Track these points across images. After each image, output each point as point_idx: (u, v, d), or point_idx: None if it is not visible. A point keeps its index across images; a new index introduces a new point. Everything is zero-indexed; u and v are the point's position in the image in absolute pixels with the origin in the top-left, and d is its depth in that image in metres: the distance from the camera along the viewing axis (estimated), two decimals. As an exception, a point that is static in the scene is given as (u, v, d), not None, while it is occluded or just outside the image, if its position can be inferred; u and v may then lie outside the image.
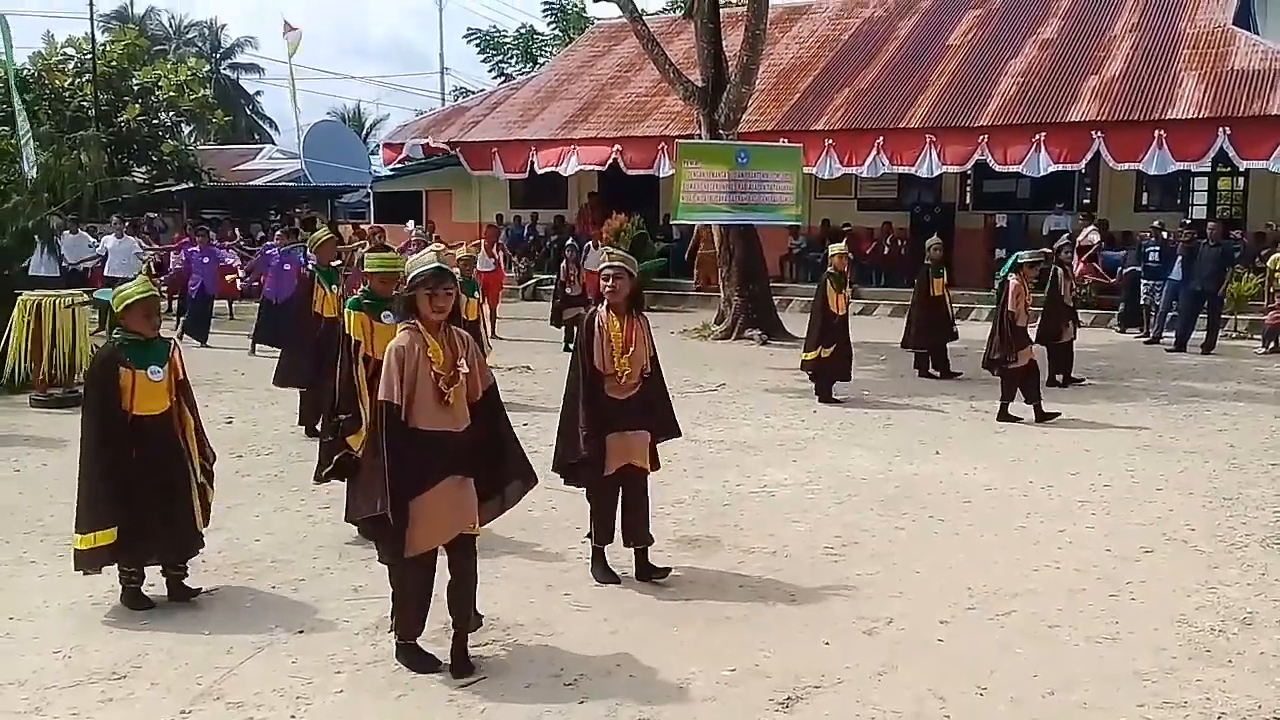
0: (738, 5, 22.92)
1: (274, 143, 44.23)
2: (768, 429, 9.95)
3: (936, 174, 20.25)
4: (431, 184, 26.49)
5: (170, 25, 51.18)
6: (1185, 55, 19.99)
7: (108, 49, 28.32)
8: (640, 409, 5.74)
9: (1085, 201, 21.77)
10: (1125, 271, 17.85)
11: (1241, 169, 19.62)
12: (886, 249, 21.70)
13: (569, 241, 18.03)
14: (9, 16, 18.91)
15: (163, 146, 27.48)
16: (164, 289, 19.30)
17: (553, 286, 19.13)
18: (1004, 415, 10.30)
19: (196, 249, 17.07)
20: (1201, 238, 15.93)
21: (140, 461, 5.32)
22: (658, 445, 5.92)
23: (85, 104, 26.13)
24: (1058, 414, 10.25)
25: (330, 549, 6.38)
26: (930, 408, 10.99)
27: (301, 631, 5.15)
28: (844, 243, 12.76)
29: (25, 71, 24.93)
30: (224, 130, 35.59)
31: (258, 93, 53.26)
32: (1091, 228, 18.84)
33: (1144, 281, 17.05)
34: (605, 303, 5.68)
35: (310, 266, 9.29)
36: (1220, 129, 17.71)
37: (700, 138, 16.91)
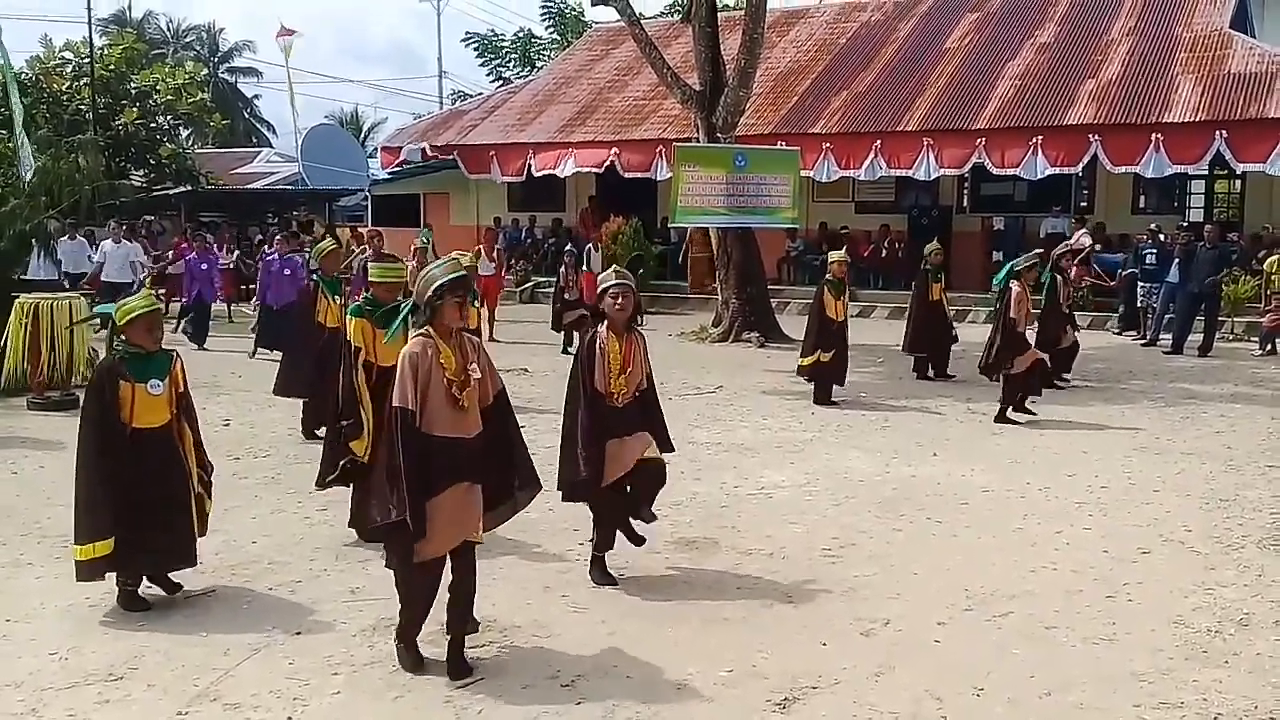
0: (735, 9, 23.00)
1: (272, 146, 44.26)
2: (765, 431, 9.95)
3: (934, 177, 20.27)
4: (429, 187, 26.52)
5: (168, 29, 51.15)
6: (1182, 58, 20.03)
7: (106, 53, 28.32)
8: (638, 415, 5.76)
9: (1083, 204, 21.79)
10: (1124, 274, 17.88)
11: (1238, 172, 19.65)
12: (884, 252, 21.73)
13: (568, 247, 18.05)
14: (6, 20, 18.91)
15: (160, 150, 27.49)
16: (162, 292, 19.34)
17: (550, 290, 19.16)
18: (1001, 418, 10.31)
19: (194, 255, 17.07)
20: (1198, 240, 15.96)
21: (139, 474, 5.32)
22: None
23: (83, 107, 26.13)
24: (1034, 414, 10.34)
25: (327, 551, 6.38)
26: (928, 410, 11.00)
27: (299, 633, 5.14)
28: (844, 250, 12.76)
29: (23, 75, 24.93)
30: (222, 134, 35.62)
31: (256, 96, 53.34)
32: (1083, 231, 18.86)
33: (1141, 284, 17.08)
34: (605, 322, 5.66)
35: (312, 273, 9.25)
36: (1217, 132, 17.74)
37: (698, 141, 16.92)
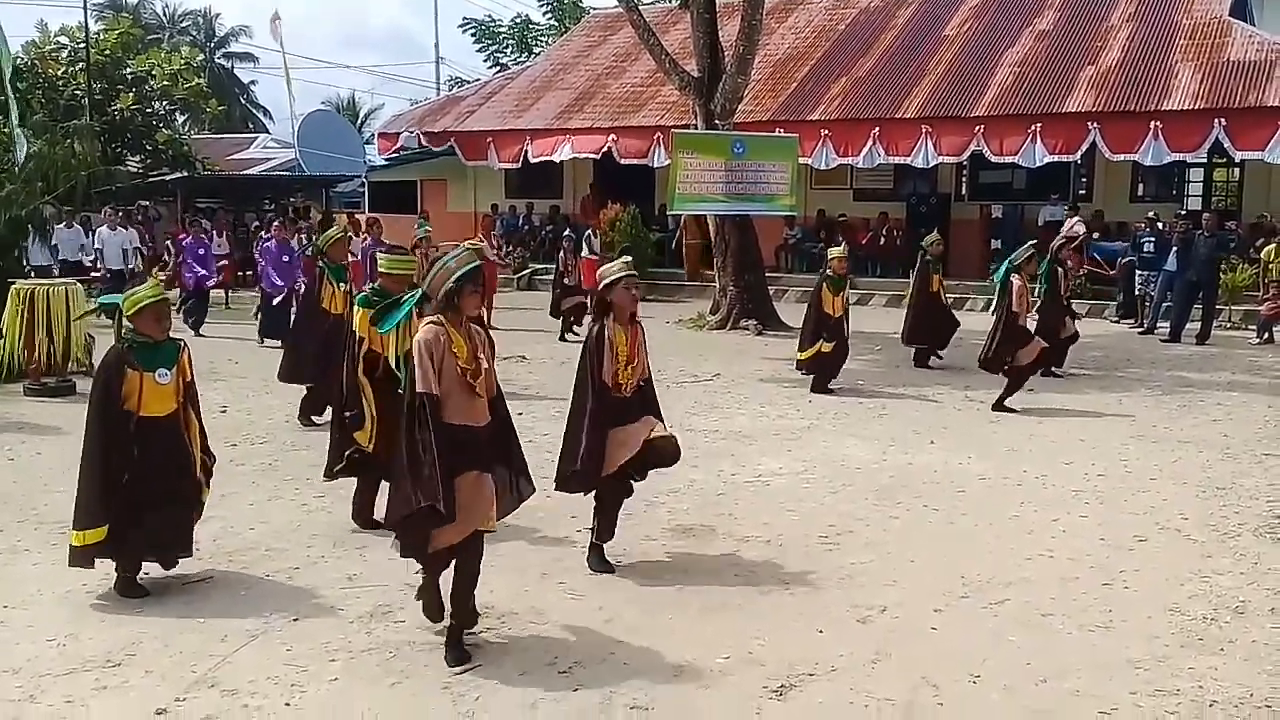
0: (734, -5, 22.88)
1: (269, 132, 44.07)
2: (763, 419, 9.95)
3: (932, 164, 20.23)
4: (426, 174, 26.45)
5: (164, 14, 50.89)
6: (1181, 46, 19.99)
7: (101, 38, 28.16)
8: (640, 404, 5.79)
9: (1081, 192, 21.77)
10: (1123, 262, 17.88)
11: (1237, 160, 19.60)
12: (883, 240, 21.69)
13: (566, 232, 18.03)
14: (2, 6, 18.82)
15: (157, 136, 27.35)
16: (163, 278, 19.29)
17: (547, 276, 19.15)
18: (1000, 406, 10.32)
19: (190, 240, 17.05)
20: (1197, 228, 15.95)
21: (144, 462, 5.33)
22: None
23: (79, 93, 26.00)
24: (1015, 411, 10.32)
25: (325, 538, 6.38)
26: (925, 398, 11.00)
27: (296, 619, 5.15)
28: (843, 246, 12.78)
29: (19, 60, 24.77)
30: (218, 119, 35.44)
31: (252, 82, 53.13)
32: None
33: (1139, 272, 17.07)
34: (612, 315, 5.66)
35: (320, 254, 9.29)
36: (1216, 120, 17.71)
37: (696, 128, 16.87)
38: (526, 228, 25.03)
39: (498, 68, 35.73)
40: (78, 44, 27.04)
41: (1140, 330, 16.40)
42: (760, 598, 5.50)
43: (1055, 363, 12.16)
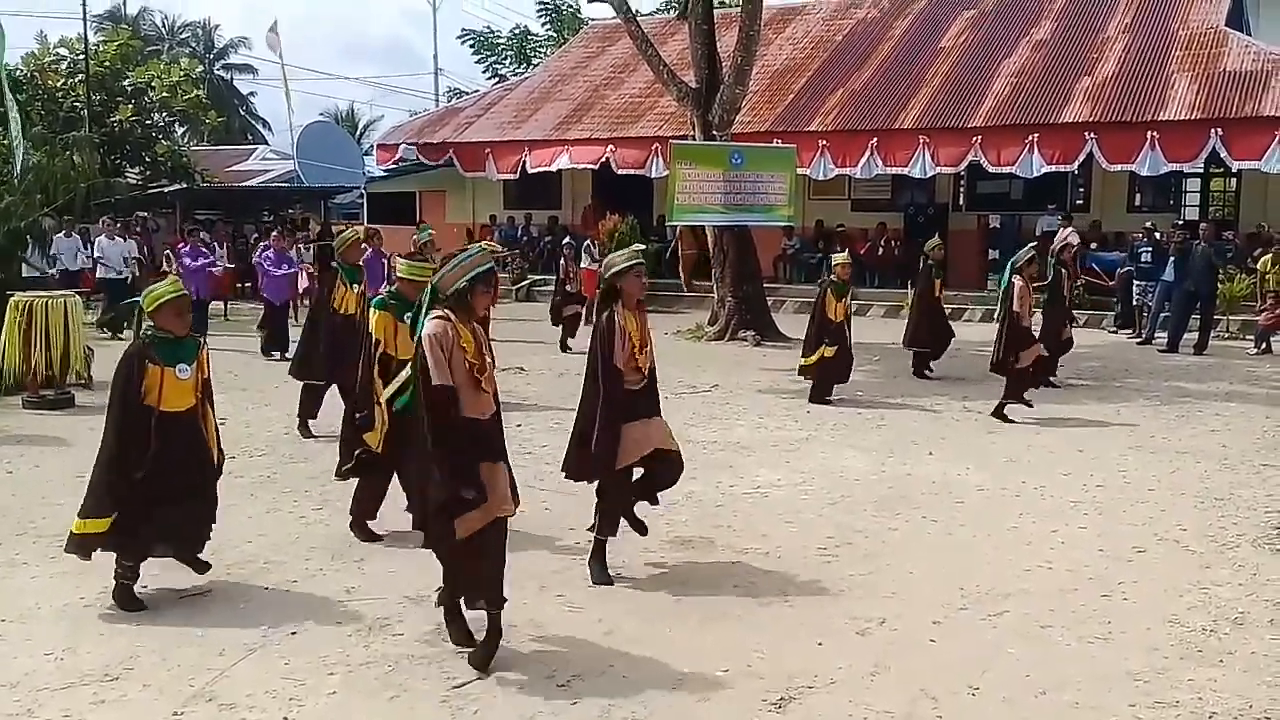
0: (732, 6, 22.96)
1: (267, 143, 44.11)
2: (761, 430, 9.95)
3: (930, 175, 20.29)
4: (425, 185, 26.50)
5: (163, 26, 50.99)
6: (1178, 56, 20.05)
7: (101, 49, 28.23)
8: (650, 397, 5.90)
9: (1079, 202, 21.82)
10: (1120, 272, 17.90)
11: (1234, 170, 19.68)
12: (881, 250, 21.73)
13: (566, 240, 18.06)
14: (1, 17, 18.87)
15: (156, 147, 27.41)
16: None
17: (545, 287, 19.17)
18: (999, 414, 10.33)
19: (188, 248, 17.10)
20: (1194, 238, 15.97)
21: (164, 457, 5.38)
22: None
23: (78, 104, 26.05)
24: (1030, 405, 10.42)
25: (323, 550, 6.37)
26: (923, 408, 11.01)
27: (294, 633, 5.14)
28: (846, 252, 12.83)
29: (18, 72, 24.85)
30: (217, 131, 35.52)
31: (251, 93, 53.19)
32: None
33: (1136, 282, 17.10)
34: (620, 301, 5.75)
35: (335, 265, 9.39)
36: (1212, 130, 17.77)
37: (694, 139, 16.91)
38: (525, 239, 25.06)
39: (496, 79, 35.79)
40: (77, 55, 27.10)
41: (1138, 340, 16.41)
42: (759, 609, 5.49)
43: (1049, 371, 12.18)
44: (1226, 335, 16.83)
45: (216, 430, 5.74)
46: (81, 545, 5.42)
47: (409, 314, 6.05)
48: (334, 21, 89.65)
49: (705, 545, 6.55)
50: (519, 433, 8.93)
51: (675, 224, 19.30)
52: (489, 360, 4.78)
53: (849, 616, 5.38)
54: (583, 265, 16.31)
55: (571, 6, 36.29)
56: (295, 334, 14.70)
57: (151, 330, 5.46)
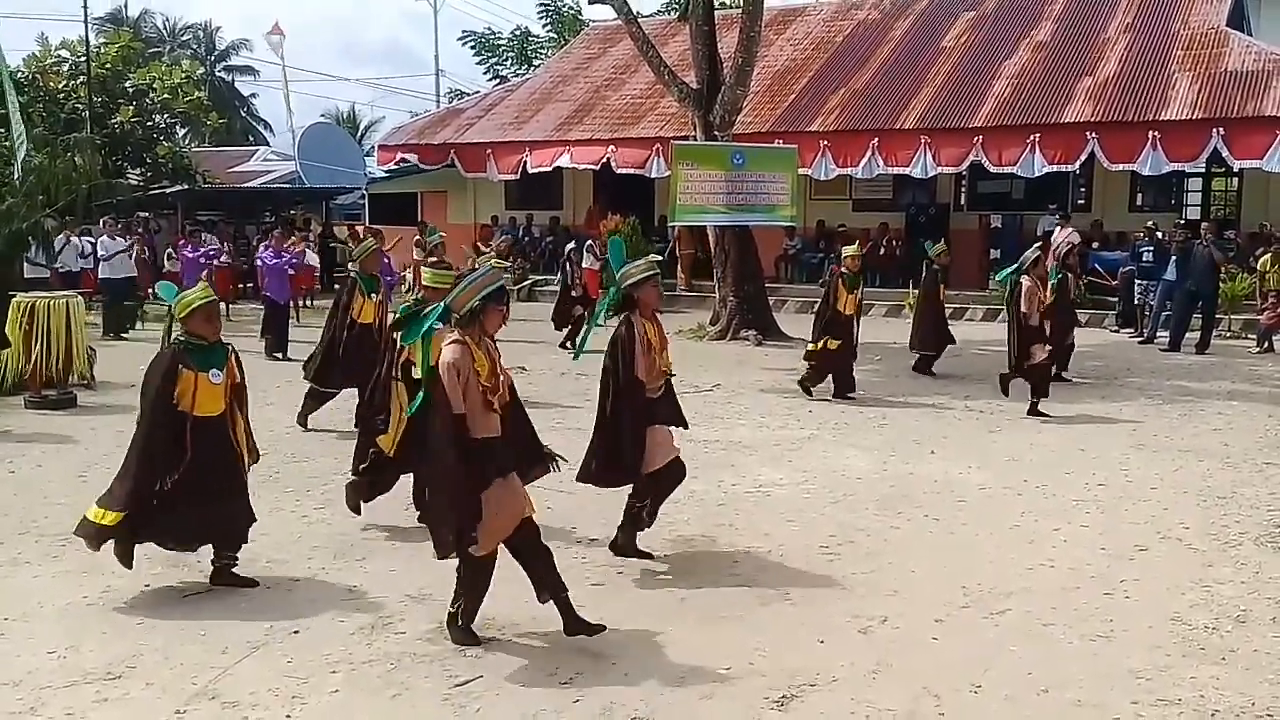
0: (733, 7, 22.99)
1: (269, 145, 44.13)
2: (763, 429, 9.95)
3: (931, 175, 20.28)
4: (426, 185, 26.49)
5: (165, 27, 50.99)
6: (1179, 56, 20.04)
7: (102, 51, 28.21)
8: (666, 402, 6.07)
9: (1080, 202, 21.81)
10: (1122, 272, 17.90)
11: (1235, 169, 19.66)
12: (882, 250, 21.72)
13: (570, 245, 18.06)
14: (3, 19, 18.89)
15: (157, 149, 27.39)
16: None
17: (547, 287, 19.17)
18: (1034, 411, 10.40)
19: (189, 247, 17.15)
20: (1195, 238, 15.97)
21: (197, 461, 5.47)
22: None
23: (79, 106, 26.05)
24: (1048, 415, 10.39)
25: (325, 549, 6.38)
26: (925, 407, 11.00)
27: (297, 631, 5.15)
28: (857, 244, 12.86)
29: (19, 74, 24.86)
30: (219, 132, 35.51)
31: (252, 95, 53.21)
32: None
33: (1138, 281, 17.10)
34: (637, 310, 5.89)
35: (354, 274, 9.60)
36: (1214, 130, 17.75)
37: (695, 139, 16.92)
38: (526, 239, 25.06)
39: (497, 80, 35.80)
40: (78, 57, 27.10)
41: (1140, 340, 16.41)
42: (761, 608, 5.50)
43: (1061, 366, 12.23)
44: (1228, 334, 16.82)
45: (249, 433, 5.83)
46: (95, 533, 5.50)
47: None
48: (335, 23, 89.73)
49: (707, 544, 6.55)
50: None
51: (678, 224, 19.33)
52: (503, 378, 4.89)
53: (851, 615, 5.39)
54: (585, 265, 16.33)
55: (572, 8, 36.31)
56: (294, 334, 14.85)
57: (184, 336, 5.56)
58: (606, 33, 27.34)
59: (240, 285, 21.52)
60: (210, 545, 5.72)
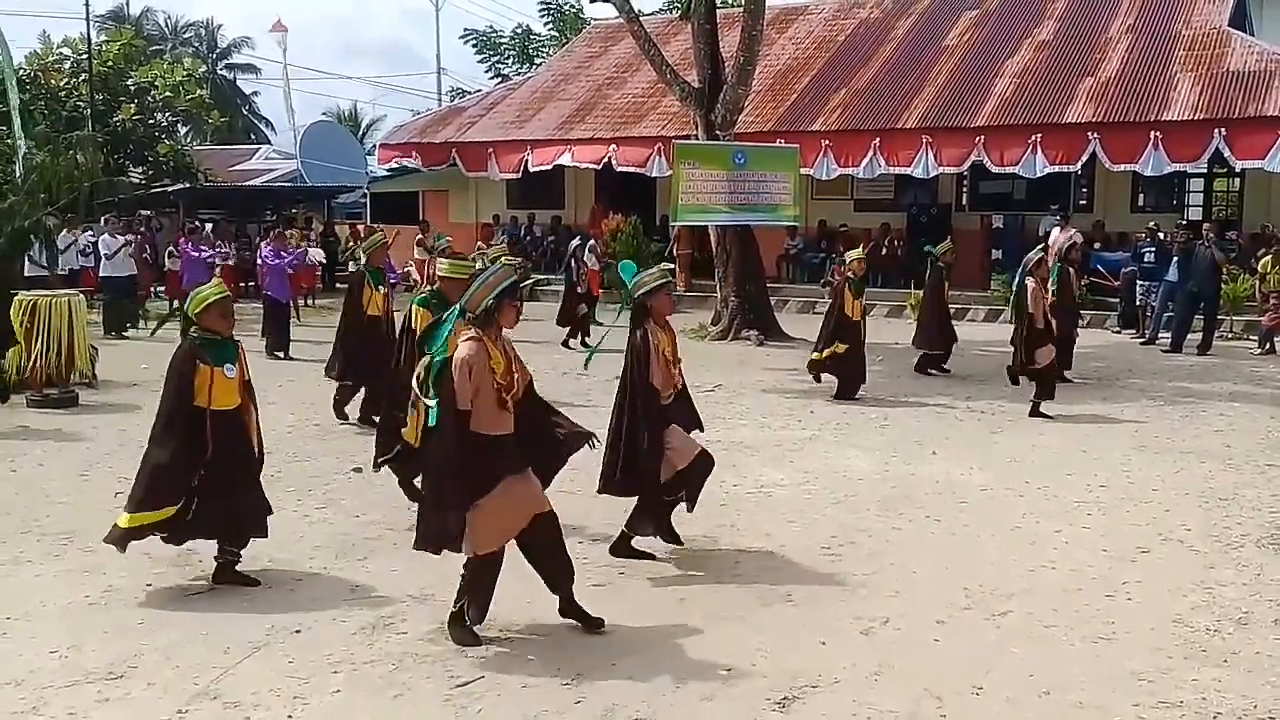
0: (734, 6, 22.96)
1: (270, 143, 44.15)
2: (765, 430, 9.95)
3: (933, 175, 20.26)
4: (428, 184, 26.47)
5: (166, 25, 51.00)
6: (1181, 57, 20.02)
7: (104, 49, 28.24)
8: (680, 407, 6.19)
9: (1082, 203, 21.79)
10: (1124, 272, 17.89)
11: (1237, 170, 19.65)
12: (884, 250, 21.70)
13: (575, 243, 18.07)
14: (5, 16, 18.91)
15: (159, 147, 27.42)
16: (162, 290, 19.38)
17: (548, 287, 19.17)
18: (1035, 412, 10.40)
19: (189, 245, 17.15)
20: (1197, 239, 15.96)
21: (217, 454, 5.55)
22: None
23: (81, 104, 26.07)
24: (1050, 417, 10.37)
25: (327, 549, 6.38)
26: (927, 408, 11.00)
27: (299, 631, 5.15)
28: (861, 247, 12.88)
29: (22, 71, 24.87)
30: (220, 130, 35.52)
31: (254, 93, 53.22)
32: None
33: (1140, 282, 17.09)
34: (651, 319, 5.98)
35: (364, 267, 9.78)
36: (1216, 130, 17.73)
37: (697, 138, 16.91)
38: (528, 238, 25.05)
39: (499, 78, 35.79)
40: (80, 55, 27.13)
41: (1141, 341, 16.40)
42: (762, 609, 5.50)
43: (1064, 364, 12.23)
44: (1230, 335, 16.81)
45: (259, 426, 5.90)
46: (126, 538, 5.54)
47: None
48: (336, 21, 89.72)
49: (708, 544, 6.55)
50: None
51: (680, 224, 19.33)
52: (518, 375, 4.93)
53: (853, 616, 5.38)
54: (588, 264, 16.37)
55: (573, 6, 36.30)
56: (294, 333, 14.86)
57: (198, 332, 5.63)
58: (608, 31, 27.33)
59: (242, 284, 21.51)
60: (216, 540, 5.75)
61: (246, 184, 30.47)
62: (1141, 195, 21.77)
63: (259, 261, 16.45)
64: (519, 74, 33.54)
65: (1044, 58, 21.30)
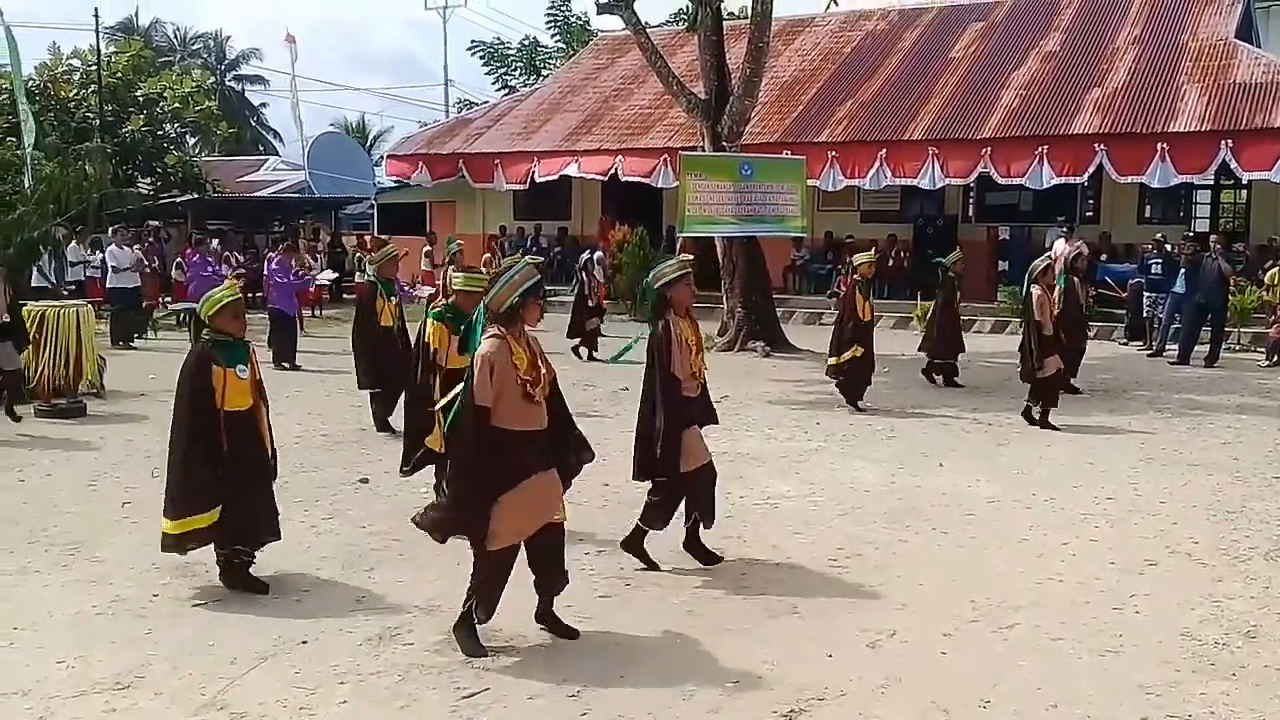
0: (741, 18, 23.01)
1: (279, 154, 44.30)
2: (771, 441, 9.95)
3: (939, 186, 20.28)
4: (435, 195, 26.55)
5: (175, 37, 51.27)
6: (1187, 68, 20.04)
7: (113, 60, 28.39)
8: (701, 403, 6.22)
9: (1088, 214, 21.79)
10: (1131, 284, 17.87)
11: (1244, 181, 19.64)
12: (890, 261, 21.70)
13: (584, 257, 18.10)
14: (15, 28, 19.03)
15: (167, 158, 27.55)
16: (169, 300, 19.44)
17: (556, 298, 19.14)
18: (1045, 424, 10.39)
19: (196, 258, 17.21)
20: (1204, 250, 15.93)
21: (232, 455, 5.62)
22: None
23: (90, 115, 26.20)
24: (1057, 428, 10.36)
25: (334, 560, 6.38)
26: (934, 419, 10.99)
27: (305, 642, 5.15)
28: (870, 250, 12.88)
29: (31, 82, 25.01)
30: (229, 142, 35.73)
31: (262, 104, 53.42)
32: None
33: (1146, 294, 17.06)
34: (672, 310, 6.04)
35: (374, 280, 9.98)
36: (1223, 142, 17.75)
37: (703, 150, 16.94)
38: (535, 249, 25.08)
39: (506, 90, 35.90)
40: (89, 66, 27.27)
41: (1149, 352, 16.37)
42: (769, 621, 5.49)
43: (1071, 373, 12.21)
44: (1237, 347, 16.78)
45: (270, 427, 5.97)
46: (180, 543, 5.64)
47: (463, 325, 6.26)
48: (344, 33, 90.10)
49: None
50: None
51: (686, 235, 19.32)
52: (544, 371, 4.96)
53: (859, 628, 5.37)
54: (596, 276, 16.44)
55: (580, 18, 36.42)
56: (300, 344, 14.90)
57: (211, 334, 5.71)
58: (615, 43, 27.43)
59: (249, 295, 21.57)
60: (224, 544, 5.78)
61: (254, 195, 30.57)
62: (1148, 207, 21.77)
63: (266, 274, 16.51)
64: (526, 85, 33.66)
65: (1050, 69, 21.33)
